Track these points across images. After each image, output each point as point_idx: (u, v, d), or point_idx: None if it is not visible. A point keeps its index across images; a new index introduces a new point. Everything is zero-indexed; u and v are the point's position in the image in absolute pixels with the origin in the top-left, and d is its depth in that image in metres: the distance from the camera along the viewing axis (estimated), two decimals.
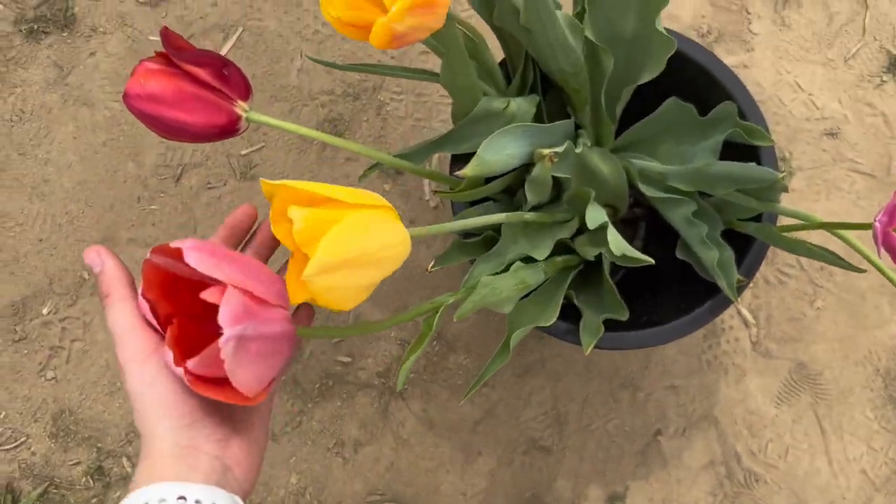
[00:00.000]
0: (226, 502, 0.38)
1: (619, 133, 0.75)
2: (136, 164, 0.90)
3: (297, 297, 0.43)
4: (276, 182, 0.42)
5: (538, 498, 0.92)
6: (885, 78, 0.98)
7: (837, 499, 0.94)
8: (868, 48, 0.99)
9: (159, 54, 0.52)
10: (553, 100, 0.73)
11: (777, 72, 0.98)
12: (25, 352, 0.87)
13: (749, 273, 0.71)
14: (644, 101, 0.71)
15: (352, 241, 0.42)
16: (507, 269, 0.65)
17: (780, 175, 0.61)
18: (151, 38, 0.92)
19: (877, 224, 0.51)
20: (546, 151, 0.63)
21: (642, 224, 0.85)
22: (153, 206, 0.89)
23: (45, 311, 0.87)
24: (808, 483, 0.94)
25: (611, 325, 0.68)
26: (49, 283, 0.88)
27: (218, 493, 0.38)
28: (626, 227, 0.85)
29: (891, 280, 0.55)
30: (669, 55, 0.65)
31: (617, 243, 0.63)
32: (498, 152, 0.60)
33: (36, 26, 0.93)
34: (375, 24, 0.45)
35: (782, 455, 0.94)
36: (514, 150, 0.62)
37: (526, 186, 0.66)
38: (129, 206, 0.89)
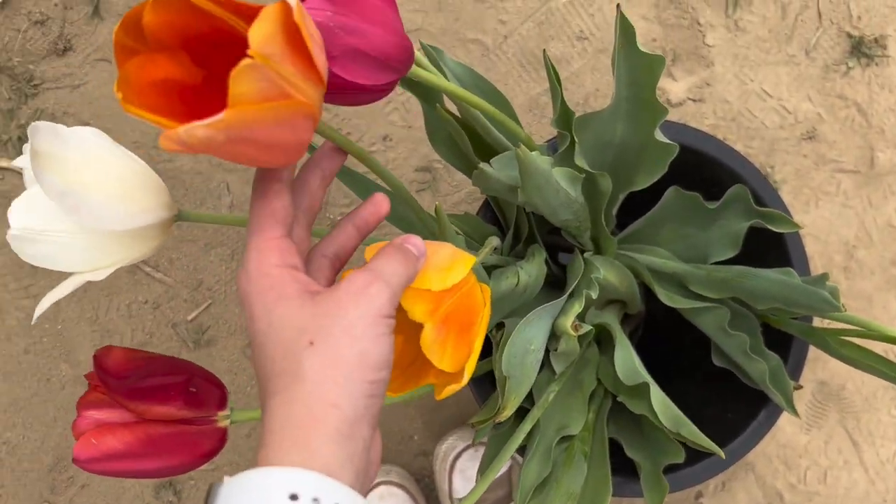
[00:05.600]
0: None
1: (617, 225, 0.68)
2: (70, 364, 0.78)
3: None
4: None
5: None
6: (850, 64, 0.92)
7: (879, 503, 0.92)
8: (827, 35, 0.92)
9: (96, 384, 0.42)
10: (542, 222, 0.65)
11: (741, 82, 0.90)
12: None
13: (796, 374, 0.64)
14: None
15: None
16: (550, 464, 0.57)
17: (837, 301, 0.54)
18: None
19: None
20: (569, 324, 0.55)
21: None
22: None
23: None
24: (849, 497, 0.91)
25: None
26: None
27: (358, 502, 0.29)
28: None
29: None
30: (671, 159, 0.57)
31: (668, 414, 0.56)
32: (524, 360, 0.51)
33: None
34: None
35: (821, 479, 0.91)
36: (539, 341, 0.54)
37: (553, 360, 0.58)
38: (74, 414, 0.76)
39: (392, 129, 0.84)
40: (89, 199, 0.38)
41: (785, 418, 0.91)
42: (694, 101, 0.89)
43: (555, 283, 0.66)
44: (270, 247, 0.32)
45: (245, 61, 0.27)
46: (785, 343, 0.65)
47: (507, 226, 0.60)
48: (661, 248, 0.68)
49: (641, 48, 0.51)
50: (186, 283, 0.79)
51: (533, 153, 0.46)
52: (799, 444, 0.91)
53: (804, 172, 0.91)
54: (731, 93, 0.90)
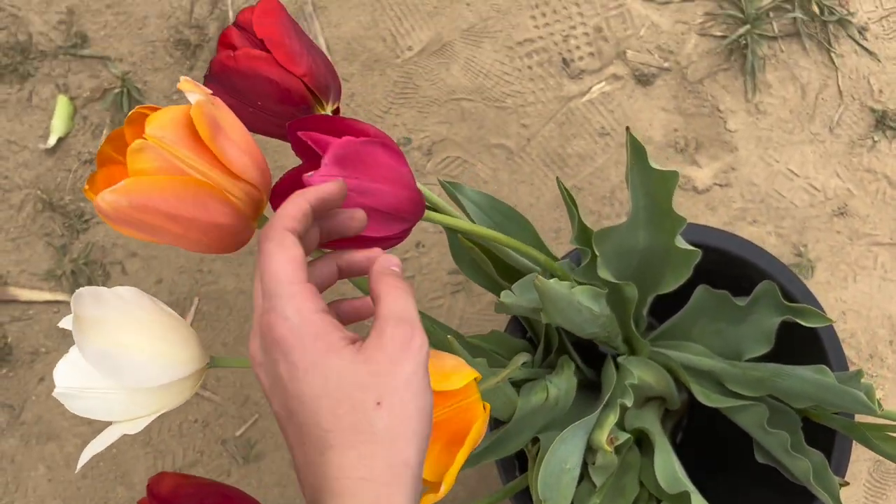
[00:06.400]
0: None
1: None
2: (126, 487, 0.80)
3: None
4: None
5: None
6: (875, 138, 0.92)
7: None
8: (850, 111, 0.92)
9: None
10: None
11: (767, 164, 0.91)
12: None
13: (841, 470, 0.63)
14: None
15: None
16: None
17: (873, 401, 0.54)
18: None
19: None
20: (604, 438, 0.55)
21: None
22: None
23: None
24: None
25: None
26: None
27: None
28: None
29: None
30: (695, 263, 0.58)
31: None
32: (560, 481, 0.52)
33: None
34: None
35: None
36: (574, 458, 0.54)
37: (592, 473, 0.58)
38: None
39: (424, 236, 0.87)
40: (126, 360, 0.40)
41: (846, 496, 0.89)
42: (721, 186, 0.90)
43: (591, 386, 0.67)
44: (304, 292, 0.32)
45: (137, 141, 0.32)
46: (828, 437, 0.64)
47: (537, 338, 0.62)
48: (696, 344, 0.68)
49: (654, 165, 0.53)
50: (234, 399, 0.82)
51: (551, 281, 0.47)
52: None
53: (839, 248, 0.90)
54: (757, 175, 0.91)
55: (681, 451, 0.77)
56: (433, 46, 0.89)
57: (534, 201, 0.89)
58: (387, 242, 0.42)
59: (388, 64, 0.88)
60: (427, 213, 0.44)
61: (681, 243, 0.57)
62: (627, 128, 0.52)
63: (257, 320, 0.33)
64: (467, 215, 0.53)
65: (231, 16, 0.86)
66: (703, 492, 0.59)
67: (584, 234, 0.56)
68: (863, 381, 0.56)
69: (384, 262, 0.35)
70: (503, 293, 0.49)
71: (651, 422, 0.66)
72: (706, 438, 0.76)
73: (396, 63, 0.88)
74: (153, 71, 0.84)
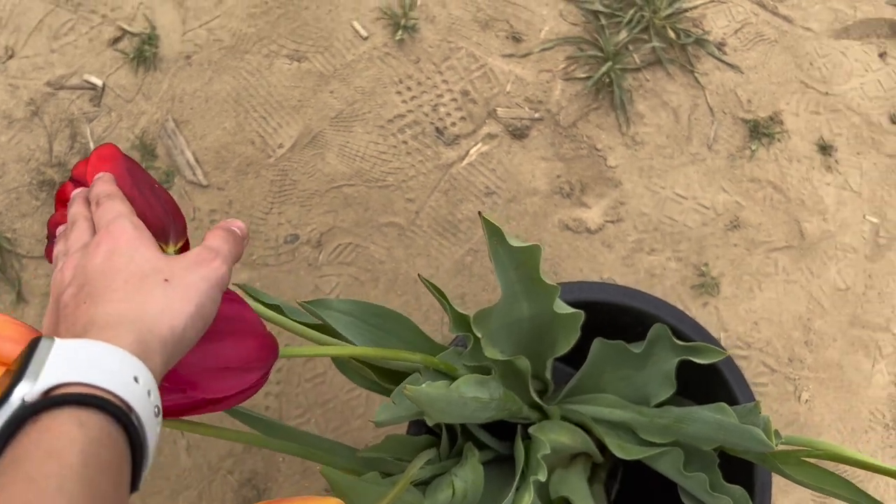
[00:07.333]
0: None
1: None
2: None
3: None
4: None
5: None
6: (753, 147, 0.94)
7: None
8: (723, 126, 0.94)
9: None
10: None
11: (653, 192, 0.92)
12: None
13: (765, 500, 0.63)
14: None
15: None
16: None
17: (770, 434, 0.54)
18: None
19: None
20: None
21: None
22: None
23: None
24: None
25: None
26: None
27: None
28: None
29: None
30: (580, 324, 0.58)
31: None
32: None
33: None
34: None
35: None
36: None
37: None
38: None
39: None
40: None
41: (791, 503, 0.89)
42: (612, 222, 0.91)
43: (507, 460, 0.66)
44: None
45: None
46: (748, 469, 0.64)
47: (439, 428, 0.60)
48: (608, 395, 0.68)
49: (514, 243, 0.53)
50: None
51: (422, 386, 0.46)
52: None
53: (739, 261, 0.92)
54: (645, 205, 0.92)
55: (619, 498, 0.76)
56: (304, 139, 0.88)
57: (434, 271, 0.88)
58: (245, 394, 0.41)
59: (262, 165, 0.87)
60: (283, 350, 0.43)
61: (561, 308, 0.57)
62: (480, 212, 0.52)
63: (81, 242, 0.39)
64: (335, 332, 0.52)
65: (92, 146, 0.84)
66: None
67: (460, 321, 0.55)
68: (761, 414, 0.56)
69: (227, 221, 0.41)
70: (378, 409, 0.48)
71: (576, 486, 0.66)
72: (642, 483, 0.76)
73: (269, 162, 0.87)
74: (21, 217, 0.82)
